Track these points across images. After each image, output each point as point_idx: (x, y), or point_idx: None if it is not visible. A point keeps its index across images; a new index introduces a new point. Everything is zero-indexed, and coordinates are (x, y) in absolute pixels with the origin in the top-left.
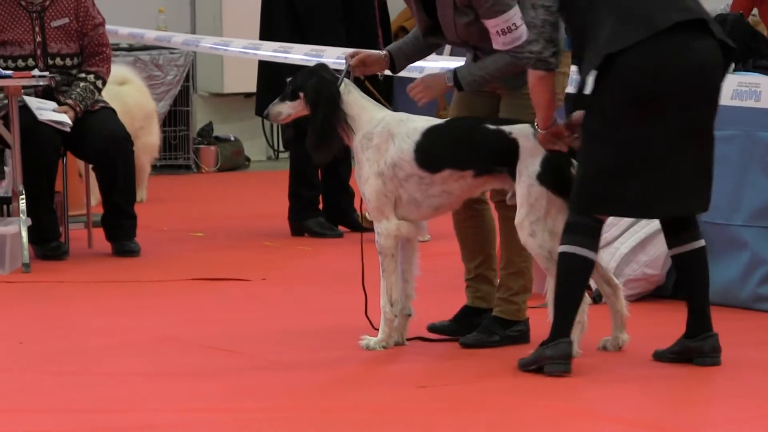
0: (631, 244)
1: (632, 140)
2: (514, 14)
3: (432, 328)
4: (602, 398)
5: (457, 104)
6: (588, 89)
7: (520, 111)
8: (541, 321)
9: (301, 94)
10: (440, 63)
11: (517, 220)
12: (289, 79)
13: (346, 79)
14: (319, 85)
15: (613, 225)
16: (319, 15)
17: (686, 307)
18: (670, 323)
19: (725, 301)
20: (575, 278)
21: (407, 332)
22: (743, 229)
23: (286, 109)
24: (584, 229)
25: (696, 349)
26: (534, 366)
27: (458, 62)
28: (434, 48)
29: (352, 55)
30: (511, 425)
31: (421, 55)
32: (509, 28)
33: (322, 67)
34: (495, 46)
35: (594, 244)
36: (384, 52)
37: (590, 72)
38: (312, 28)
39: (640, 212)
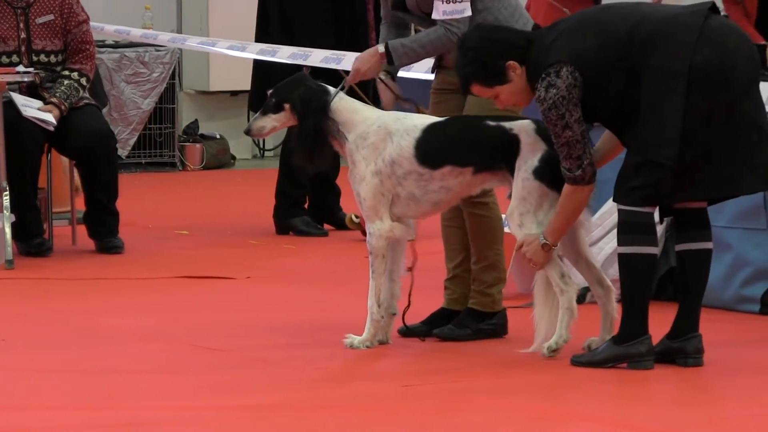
0: (615, 244)
1: (722, 123)
2: None
3: (402, 331)
4: (585, 398)
5: (434, 105)
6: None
7: (487, 103)
8: (524, 319)
9: (287, 106)
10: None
11: (507, 211)
12: (269, 92)
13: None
14: (307, 96)
15: (597, 225)
16: (308, 17)
17: (678, 305)
18: (652, 324)
19: (708, 302)
20: (643, 277)
21: (391, 331)
22: (727, 230)
23: (270, 122)
24: (643, 227)
25: (678, 349)
26: (611, 364)
27: None
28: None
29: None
30: (493, 425)
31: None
32: None
33: (304, 77)
34: (434, 14)
35: (655, 238)
36: (381, 48)
37: (680, 100)
38: (301, 31)
39: (732, 189)
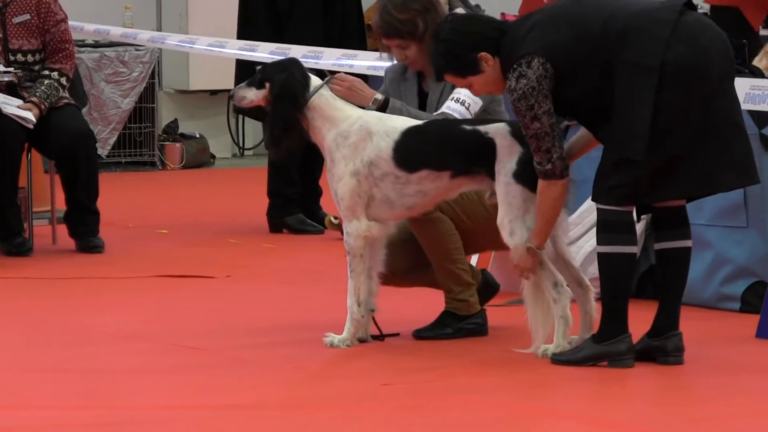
0: (594, 243)
1: (696, 119)
2: (466, 92)
3: (418, 335)
4: (565, 397)
5: None
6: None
7: None
8: (506, 318)
9: (268, 85)
10: None
11: (498, 220)
12: (259, 67)
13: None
14: (287, 82)
15: (576, 224)
16: (298, 11)
17: (658, 303)
18: (632, 322)
19: (689, 300)
20: (623, 276)
21: (371, 328)
22: (707, 228)
23: (251, 95)
24: (622, 226)
25: (659, 347)
26: (591, 362)
27: None
28: None
29: (341, 81)
30: (474, 423)
31: None
32: (457, 99)
33: (294, 63)
34: (443, 108)
35: (634, 237)
36: (380, 96)
37: (650, 93)
38: (290, 24)
39: (708, 186)
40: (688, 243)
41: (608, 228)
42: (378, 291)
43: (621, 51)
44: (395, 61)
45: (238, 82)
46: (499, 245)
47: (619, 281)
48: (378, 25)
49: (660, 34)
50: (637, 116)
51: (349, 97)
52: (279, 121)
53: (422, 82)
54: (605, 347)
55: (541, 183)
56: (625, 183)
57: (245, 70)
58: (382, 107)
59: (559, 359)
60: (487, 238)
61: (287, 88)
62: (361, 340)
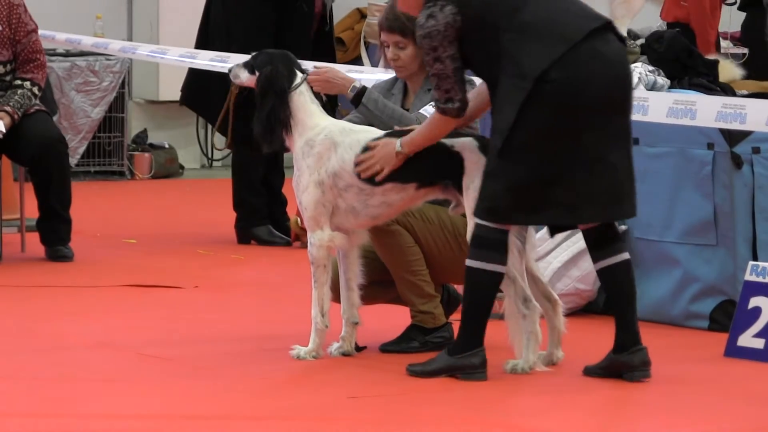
0: (563, 259)
1: (562, 149)
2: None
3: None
4: (531, 412)
5: None
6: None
7: None
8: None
9: (257, 73)
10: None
11: (468, 235)
12: (254, 54)
13: (305, 85)
14: (272, 76)
15: (546, 239)
16: (243, 24)
17: (615, 321)
18: (600, 339)
19: (657, 318)
20: (485, 293)
21: (355, 341)
22: (675, 246)
23: (244, 77)
24: (493, 244)
25: (625, 363)
26: (444, 374)
27: None
28: None
29: (318, 74)
30: None
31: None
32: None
33: (283, 56)
34: (422, 109)
35: (504, 257)
36: (359, 84)
37: (520, 98)
38: (236, 38)
39: (571, 217)
40: (625, 256)
41: (478, 243)
42: (360, 302)
43: (513, 46)
44: (381, 66)
45: (187, 89)
46: (459, 280)
47: (480, 297)
48: (385, 17)
49: (552, 51)
50: (506, 114)
51: (328, 89)
52: (266, 115)
53: (405, 99)
54: (459, 360)
55: (435, 114)
56: (486, 197)
57: (195, 79)
58: (360, 94)
59: (414, 370)
60: (448, 272)
61: (272, 81)
62: (345, 354)
